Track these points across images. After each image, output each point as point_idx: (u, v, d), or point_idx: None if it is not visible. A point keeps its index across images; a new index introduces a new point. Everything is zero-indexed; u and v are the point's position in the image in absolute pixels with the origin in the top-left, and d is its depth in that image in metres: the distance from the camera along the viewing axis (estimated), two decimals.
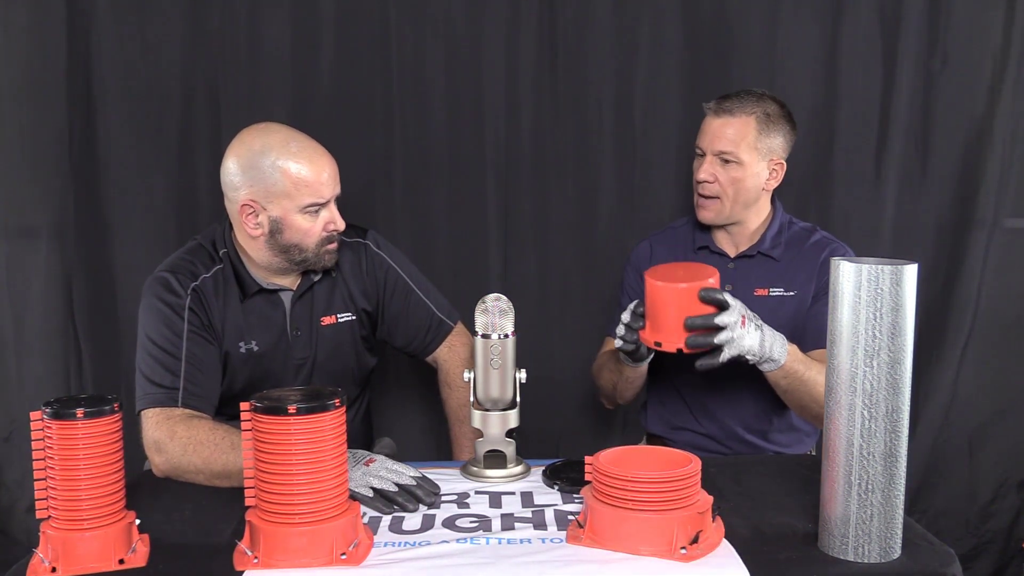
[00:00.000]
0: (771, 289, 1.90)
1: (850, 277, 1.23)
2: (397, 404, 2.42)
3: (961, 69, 2.31)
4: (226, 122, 2.24)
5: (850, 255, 1.92)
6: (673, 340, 1.57)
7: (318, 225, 1.73)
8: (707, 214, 1.92)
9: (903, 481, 1.26)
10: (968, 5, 2.28)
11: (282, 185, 1.68)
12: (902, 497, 1.27)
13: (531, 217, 2.37)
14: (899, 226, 2.36)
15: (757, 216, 1.94)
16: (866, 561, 1.25)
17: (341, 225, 1.76)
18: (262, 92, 2.28)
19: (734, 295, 1.89)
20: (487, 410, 1.62)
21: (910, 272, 1.22)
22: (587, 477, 1.34)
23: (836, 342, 1.26)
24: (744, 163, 1.86)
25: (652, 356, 1.72)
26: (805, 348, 1.77)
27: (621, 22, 2.30)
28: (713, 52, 2.31)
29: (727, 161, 1.87)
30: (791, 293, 1.89)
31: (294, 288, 1.82)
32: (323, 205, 1.72)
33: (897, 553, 1.27)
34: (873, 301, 1.22)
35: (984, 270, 2.37)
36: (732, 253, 1.96)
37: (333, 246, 1.78)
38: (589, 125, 2.34)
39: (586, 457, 1.36)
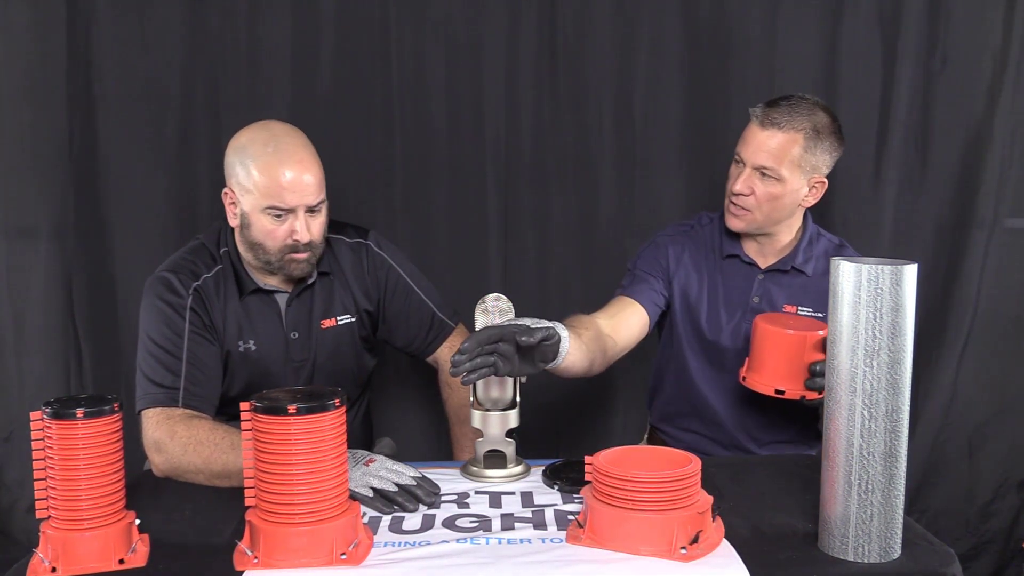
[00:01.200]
0: (799, 308, 1.87)
1: (850, 277, 1.23)
2: (397, 404, 2.42)
3: (961, 69, 2.31)
4: (226, 122, 2.24)
5: None
6: (796, 387, 1.64)
7: (281, 231, 1.70)
8: (737, 223, 1.85)
9: (903, 481, 1.27)
10: (968, 5, 2.28)
11: (250, 181, 1.69)
12: (902, 497, 1.27)
13: (531, 217, 2.37)
14: (899, 226, 2.36)
15: (789, 230, 1.89)
16: (866, 561, 1.25)
17: (305, 238, 1.71)
18: (262, 92, 2.28)
19: (760, 307, 1.88)
20: (487, 410, 1.62)
21: (910, 272, 1.22)
22: (587, 477, 1.34)
23: (836, 342, 1.26)
24: (784, 180, 1.78)
25: (561, 360, 1.55)
26: None
27: (621, 22, 2.30)
28: (713, 52, 2.31)
29: (766, 176, 1.79)
30: (820, 315, 1.84)
31: (289, 290, 1.82)
32: (286, 211, 1.69)
33: (897, 553, 1.27)
34: (873, 301, 1.22)
35: (984, 270, 2.36)
36: (762, 264, 1.91)
37: (300, 256, 1.73)
38: (589, 125, 2.34)
39: (586, 457, 1.36)
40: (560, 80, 2.32)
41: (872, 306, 1.22)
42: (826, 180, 1.84)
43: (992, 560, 2.47)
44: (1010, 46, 2.28)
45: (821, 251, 1.91)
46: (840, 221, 2.34)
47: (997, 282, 2.38)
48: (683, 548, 1.25)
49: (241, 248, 1.79)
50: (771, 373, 1.66)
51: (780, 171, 1.77)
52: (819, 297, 1.85)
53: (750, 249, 1.92)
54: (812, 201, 1.86)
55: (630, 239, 2.28)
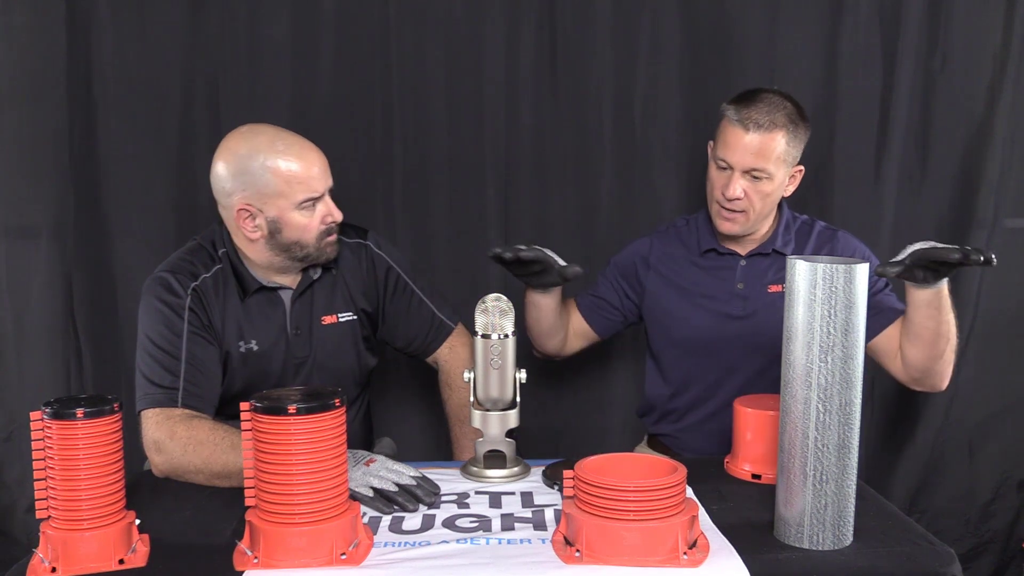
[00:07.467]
0: (784, 285, 1.88)
1: (805, 276, 1.27)
2: (397, 404, 2.42)
3: (961, 69, 2.30)
4: (226, 122, 2.23)
5: (853, 241, 1.93)
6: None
7: (315, 219, 1.74)
8: (732, 226, 1.86)
9: (855, 471, 1.30)
10: (968, 5, 2.28)
11: (275, 185, 1.69)
12: (854, 487, 1.30)
13: (531, 217, 2.37)
14: (899, 226, 2.35)
15: (768, 221, 1.92)
16: (820, 549, 1.28)
17: (338, 216, 1.77)
18: (262, 92, 2.28)
19: (746, 293, 1.89)
20: (487, 410, 1.62)
21: (862, 271, 1.26)
22: (568, 492, 1.29)
23: (792, 338, 1.30)
24: (773, 177, 1.81)
25: (557, 288, 1.82)
26: (886, 325, 1.82)
27: (621, 22, 2.29)
28: (713, 52, 2.30)
29: (756, 177, 1.81)
30: None
31: (294, 287, 1.82)
32: (318, 199, 1.73)
33: (849, 541, 1.30)
34: (828, 299, 1.26)
35: (984, 270, 2.36)
36: (743, 252, 1.93)
37: (333, 237, 1.79)
38: (589, 125, 2.33)
39: (565, 472, 1.31)
40: (560, 80, 2.32)
41: (827, 304, 1.26)
42: (803, 167, 1.88)
43: (992, 560, 2.47)
44: (1010, 46, 2.28)
45: (798, 229, 1.94)
46: (840, 221, 2.33)
47: (997, 282, 2.37)
48: (684, 554, 1.24)
49: (264, 255, 1.76)
50: (756, 456, 1.59)
51: (769, 169, 1.80)
52: None
53: (729, 243, 1.94)
54: (792, 189, 1.90)
55: (630, 238, 2.27)
